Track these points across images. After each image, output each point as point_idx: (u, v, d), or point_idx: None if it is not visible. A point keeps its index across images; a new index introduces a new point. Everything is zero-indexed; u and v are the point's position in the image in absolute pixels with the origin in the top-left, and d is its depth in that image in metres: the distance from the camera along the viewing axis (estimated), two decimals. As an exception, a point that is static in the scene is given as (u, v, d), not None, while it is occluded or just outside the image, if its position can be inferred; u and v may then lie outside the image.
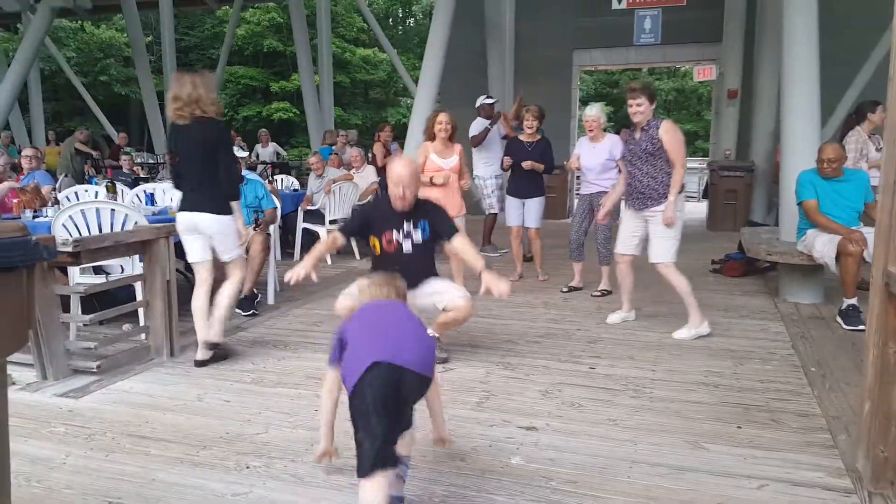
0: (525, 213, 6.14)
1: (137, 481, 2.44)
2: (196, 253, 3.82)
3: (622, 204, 4.77)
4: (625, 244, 4.59)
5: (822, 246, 4.69)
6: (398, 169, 3.57)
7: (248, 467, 2.56)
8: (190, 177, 3.78)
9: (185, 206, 3.78)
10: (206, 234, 3.77)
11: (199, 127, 3.67)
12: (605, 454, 2.67)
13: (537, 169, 6.03)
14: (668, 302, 4.82)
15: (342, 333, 2.21)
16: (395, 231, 3.66)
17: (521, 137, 6.15)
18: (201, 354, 3.82)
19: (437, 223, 3.68)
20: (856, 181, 4.81)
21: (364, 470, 1.86)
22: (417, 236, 3.68)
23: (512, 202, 6.23)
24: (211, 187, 3.68)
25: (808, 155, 5.15)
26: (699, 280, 6.05)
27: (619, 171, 5.50)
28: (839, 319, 4.61)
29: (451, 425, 2.83)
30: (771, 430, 2.89)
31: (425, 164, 5.24)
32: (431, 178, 5.20)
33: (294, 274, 3.37)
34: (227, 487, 2.40)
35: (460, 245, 3.58)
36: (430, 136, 5.31)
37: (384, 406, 1.90)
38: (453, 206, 5.40)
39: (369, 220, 3.79)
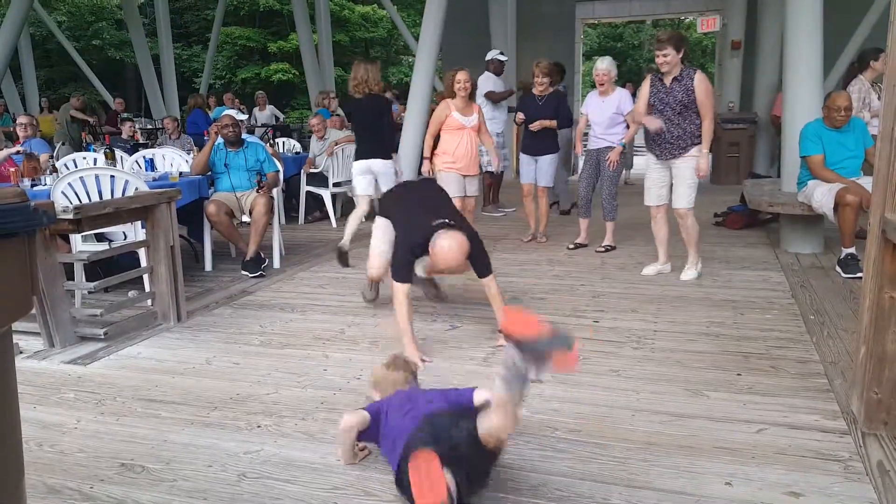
0: (537, 171, 6.02)
1: (149, 443, 2.50)
2: (362, 188, 5.44)
3: (647, 158, 4.74)
4: (657, 196, 4.68)
5: (821, 196, 4.69)
6: (450, 258, 3.16)
7: (259, 426, 2.62)
8: (364, 134, 5.44)
9: (362, 155, 5.41)
10: (373, 174, 5.38)
11: (370, 100, 5.30)
12: (608, 403, 2.73)
13: (547, 126, 5.88)
14: (672, 256, 4.84)
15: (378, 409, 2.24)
16: None
17: (533, 91, 5.99)
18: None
19: (472, 259, 3.37)
20: (856, 130, 4.78)
21: None
22: None
23: (524, 160, 6.11)
24: (379, 141, 5.38)
25: (811, 105, 5.09)
26: (702, 233, 6.06)
27: (627, 126, 5.47)
28: (838, 268, 4.64)
29: (459, 381, 2.88)
30: (770, 377, 2.94)
31: (447, 120, 5.23)
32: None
33: (418, 362, 3.06)
34: (239, 446, 2.46)
35: (491, 289, 3.41)
36: (450, 94, 5.28)
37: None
38: (474, 166, 5.41)
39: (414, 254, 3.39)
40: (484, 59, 7.83)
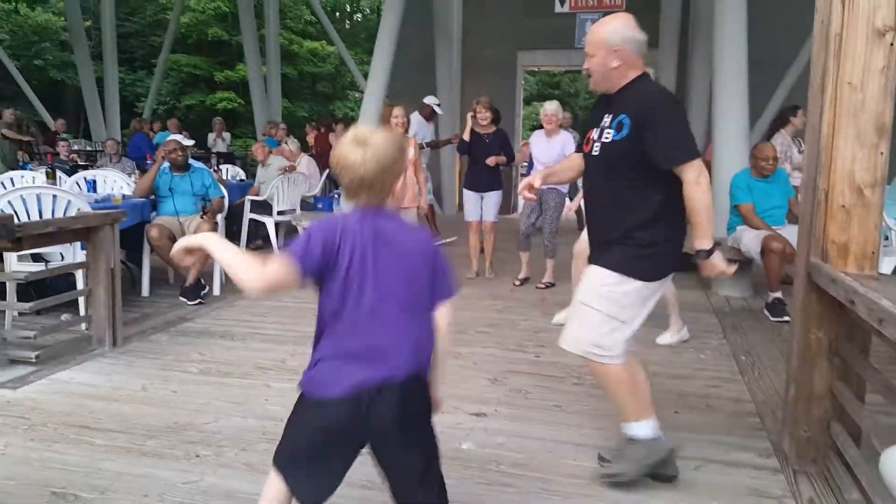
0: (483, 207, 6.12)
1: (83, 471, 2.41)
2: None
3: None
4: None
5: (749, 241, 4.94)
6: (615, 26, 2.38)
7: (197, 456, 2.56)
8: None
9: None
10: None
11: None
12: (551, 438, 2.78)
13: (501, 163, 5.99)
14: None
15: (320, 240, 1.55)
16: (595, 128, 2.47)
17: (477, 129, 6.10)
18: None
19: (642, 124, 2.27)
20: (780, 181, 5.09)
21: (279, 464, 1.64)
22: (609, 134, 2.38)
23: (470, 196, 6.16)
24: None
25: (739, 155, 5.41)
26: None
27: None
28: (766, 312, 4.86)
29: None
30: (705, 415, 3.05)
31: None
32: None
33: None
34: (177, 476, 2.39)
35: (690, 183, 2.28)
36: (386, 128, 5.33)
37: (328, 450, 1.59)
38: (409, 197, 5.47)
39: None
40: (426, 96, 7.99)
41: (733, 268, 2.43)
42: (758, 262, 4.97)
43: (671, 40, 10.73)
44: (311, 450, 1.58)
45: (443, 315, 1.71)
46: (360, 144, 1.57)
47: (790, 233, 4.62)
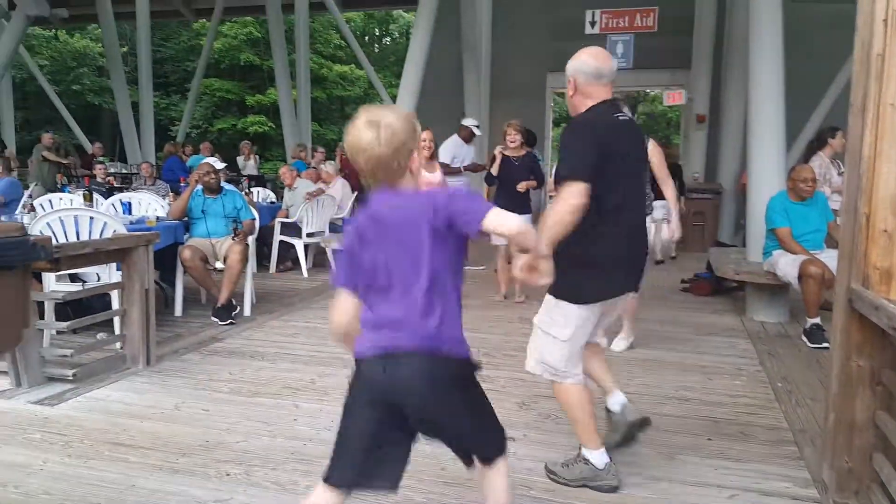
0: None
1: (117, 487, 2.44)
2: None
3: None
4: None
5: (786, 266, 4.83)
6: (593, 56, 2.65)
7: (228, 475, 2.57)
8: None
9: None
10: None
11: None
12: (581, 464, 2.72)
13: (531, 187, 5.92)
14: (642, 319, 4.91)
15: (349, 256, 1.75)
16: None
17: (507, 153, 6.04)
18: None
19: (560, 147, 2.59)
20: (819, 204, 4.99)
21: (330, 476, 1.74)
22: None
23: None
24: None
25: (775, 177, 5.31)
26: (669, 298, 6.20)
27: None
28: (804, 338, 4.74)
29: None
30: (740, 443, 2.98)
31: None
32: None
33: None
34: (208, 494, 2.41)
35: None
36: None
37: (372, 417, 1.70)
38: None
39: None
40: (455, 119, 8.04)
41: (540, 280, 1.86)
42: (795, 288, 4.87)
43: (705, 61, 10.71)
44: (359, 418, 1.72)
45: (494, 225, 1.60)
46: (372, 126, 1.65)
47: (829, 257, 4.52)
